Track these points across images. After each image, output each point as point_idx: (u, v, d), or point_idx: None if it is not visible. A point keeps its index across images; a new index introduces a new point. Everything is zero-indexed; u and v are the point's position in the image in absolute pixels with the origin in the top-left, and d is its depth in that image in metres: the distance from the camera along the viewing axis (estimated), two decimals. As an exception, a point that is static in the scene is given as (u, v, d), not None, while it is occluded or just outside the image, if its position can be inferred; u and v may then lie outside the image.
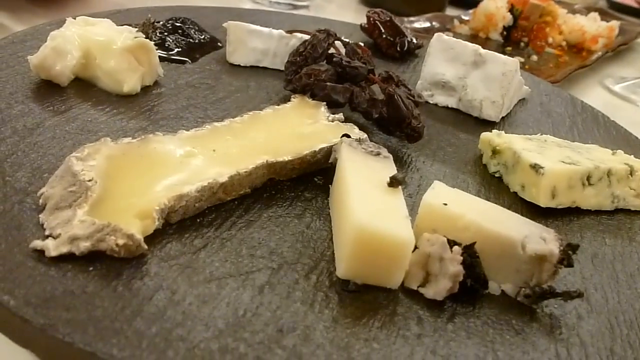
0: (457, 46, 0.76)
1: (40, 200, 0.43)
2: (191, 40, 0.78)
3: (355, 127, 0.59)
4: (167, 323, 0.36)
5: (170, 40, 0.76)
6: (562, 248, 0.45)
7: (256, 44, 0.75)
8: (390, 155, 0.52)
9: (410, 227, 0.43)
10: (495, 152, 0.64)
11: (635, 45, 1.53)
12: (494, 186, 0.62)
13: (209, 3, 1.01)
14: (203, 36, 0.80)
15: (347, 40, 0.73)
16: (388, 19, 0.93)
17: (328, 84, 0.63)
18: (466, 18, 1.34)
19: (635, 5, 1.88)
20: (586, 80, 1.21)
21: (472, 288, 0.44)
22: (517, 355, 0.41)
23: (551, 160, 0.59)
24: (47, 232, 0.41)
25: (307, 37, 0.71)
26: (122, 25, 0.68)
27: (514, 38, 1.30)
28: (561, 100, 0.90)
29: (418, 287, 0.44)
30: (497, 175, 0.64)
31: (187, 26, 0.80)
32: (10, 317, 0.35)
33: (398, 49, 0.92)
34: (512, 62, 0.74)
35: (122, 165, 0.46)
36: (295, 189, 0.53)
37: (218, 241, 0.45)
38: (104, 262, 0.40)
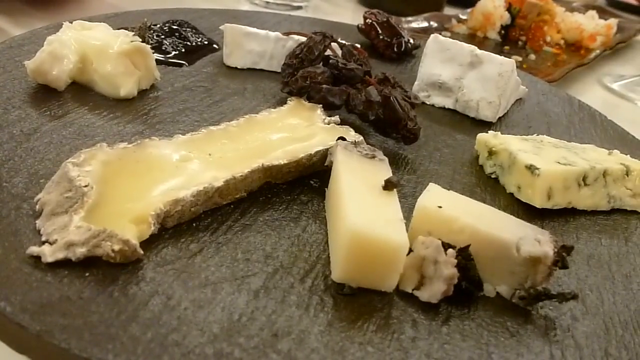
0: (453, 47, 0.76)
1: (37, 206, 0.44)
2: (188, 43, 0.78)
3: (351, 129, 0.59)
4: (163, 328, 0.37)
5: (167, 44, 0.76)
6: (556, 250, 0.45)
7: (253, 46, 0.76)
8: (386, 158, 0.52)
9: (404, 231, 0.43)
10: (491, 153, 0.64)
11: (634, 43, 1.53)
12: (490, 187, 0.63)
13: (205, 5, 1.01)
14: (200, 39, 0.80)
15: (343, 42, 0.73)
16: (385, 19, 0.93)
17: (324, 86, 0.64)
18: (464, 17, 1.34)
19: (633, 2, 1.88)
20: (584, 79, 1.21)
21: (466, 290, 0.44)
22: (512, 357, 0.41)
23: (547, 161, 0.59)
24: (43, 238, 0.41)
25: (303, 39, 0.72)
26: (118, 28, 0.68)
27: (512, 37, 1.29)
28: (558, 100, 0.90)
29: (413, 290, 0.44)
30: (493, 176, 0.64)
31: (183, 29, 0.80)
32: (7, 323, 0.35)
33: (395, 49, 0.92)
34: (509, 63, 0.74)
35: (118, 171, 0.47)
36: (291, 192, 0.53)
37: (214, 245, 0.45)
38: (100, 268, 0.40)
